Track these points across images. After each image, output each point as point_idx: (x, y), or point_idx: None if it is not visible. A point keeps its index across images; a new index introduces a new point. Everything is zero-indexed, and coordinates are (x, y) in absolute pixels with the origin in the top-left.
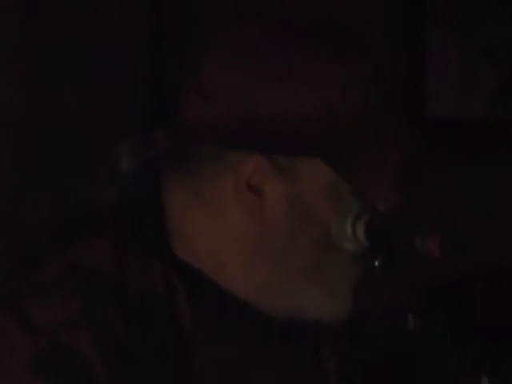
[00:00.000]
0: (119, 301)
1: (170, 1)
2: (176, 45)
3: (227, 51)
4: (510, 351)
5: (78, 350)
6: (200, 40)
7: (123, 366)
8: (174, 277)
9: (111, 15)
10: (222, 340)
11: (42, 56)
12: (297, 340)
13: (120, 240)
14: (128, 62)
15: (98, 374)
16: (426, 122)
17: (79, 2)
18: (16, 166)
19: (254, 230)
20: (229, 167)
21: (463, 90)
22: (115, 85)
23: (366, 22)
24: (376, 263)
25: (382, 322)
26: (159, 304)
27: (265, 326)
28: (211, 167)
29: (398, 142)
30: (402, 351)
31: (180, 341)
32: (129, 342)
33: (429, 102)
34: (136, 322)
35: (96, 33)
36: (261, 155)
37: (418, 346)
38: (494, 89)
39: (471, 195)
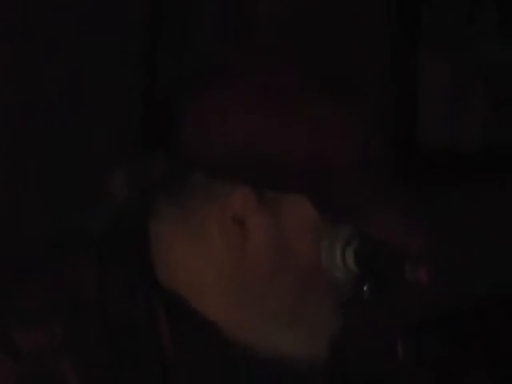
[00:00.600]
0: (101, 326)
1: None
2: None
3: (228, 84)
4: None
5: (59, 375)
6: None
7: None
8: (156, 301)
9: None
10: (199, 364)
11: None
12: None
13: (103, 263)
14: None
15: None
16: (419, 153)
17: None
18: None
19: (234, 262)
20: (216, 198)
21: (456, 116)
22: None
23: (354, 52)
24: (365, 289)
25: (371, 352)
26: (140, 328)
27: (241, 357)
28: (200, 197)
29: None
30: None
31: (160, 364)
32: (110, 366)
33: (421, 129)
34: (118, 347)
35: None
36: (249, 188)
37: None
38: (487, 114)
39: (465, 226)
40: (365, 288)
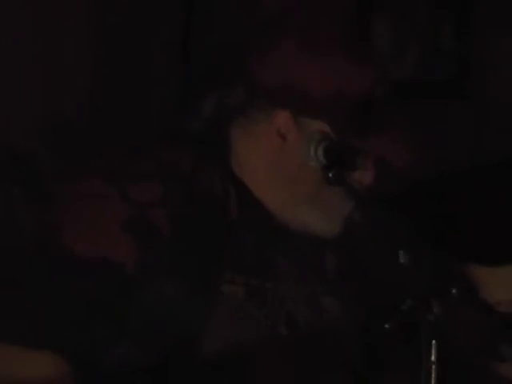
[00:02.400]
0: (190, 192)
1: None
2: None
3: (287, 41)
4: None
5: (155, 222)
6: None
7: (186, 237)
8: (229, 183)
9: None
10: (252, 228)
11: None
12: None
13: (197, 153)
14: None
15: (168, 239)
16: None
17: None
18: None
19: (276, 158)
20: (268, 117)
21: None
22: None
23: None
24: (330, 175)
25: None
26: (217, 199)
27: (281, 227)
28: (259, 115)
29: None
30: None
31: (226, 225)
32: (193, 221)
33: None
34: (200, 209)
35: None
36: (289, 113)
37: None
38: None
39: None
40: (330, 174)
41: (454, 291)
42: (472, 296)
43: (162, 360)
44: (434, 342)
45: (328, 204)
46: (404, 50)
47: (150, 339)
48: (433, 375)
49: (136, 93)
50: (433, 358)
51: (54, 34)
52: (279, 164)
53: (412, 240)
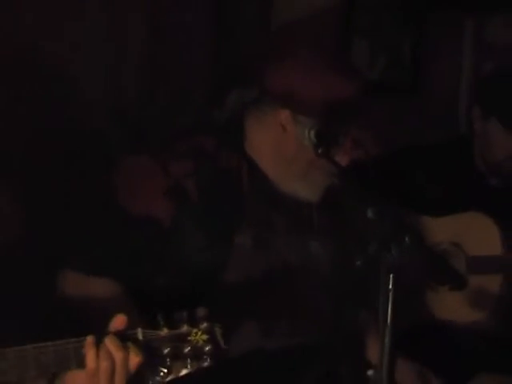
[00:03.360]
0: (213, 167)
1: None
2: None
3: (288, 60)
4: None
5: (187, 190)
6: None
7: (209, 201)
8: (242, 161)
9: None
10: (260, 196)
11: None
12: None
13: (219, 137)
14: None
15: (195, 202)
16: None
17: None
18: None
19: (277, 141)
20: (273, 112)
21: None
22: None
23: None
24: (319, 151)
25: None
26: (233, 172)
27: (289, 200)
28: (267, 110)
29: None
30: None
31: (240, 191)
32: (214, 188)
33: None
34: (220, 179)
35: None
36: (289, 112)
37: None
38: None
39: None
40: (319, 150)
41: (406, 238)
42: (419, 240)
43: (190, 289)
44: (391, 275)
45: (313, 178)
46: (375, 59)
47: (181, 273)
48: (390, 299)
49: (177, 88)
50: (390, 286)
51: (120, 33)
52: (280, 148)
53: (377, 200)
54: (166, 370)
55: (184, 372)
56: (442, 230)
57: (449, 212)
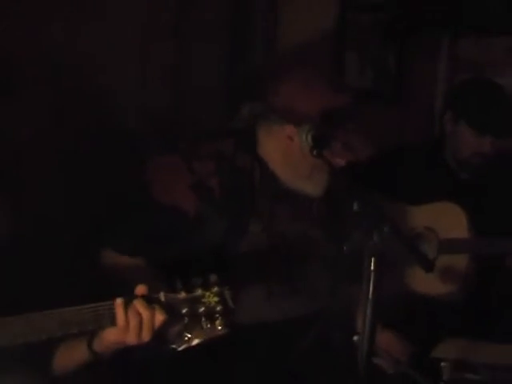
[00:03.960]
0: (231, 167)
1: None
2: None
3: (289, 82)
4: None
5: (210, 186)
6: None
7: (228, 196)
8: (255, 163)
9: None
10: (270, 193)
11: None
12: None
13: (236, 142)
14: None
15: (217, 197)
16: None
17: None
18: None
19: (286, 149)
20: (280, 125)
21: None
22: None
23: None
24: (314, 152)
25: None
26: (247, 172)
27: (294, 195)
28: (275, 123)
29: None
30: None
31: (253, 188)
32: (232, 186)
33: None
34: (237, 178)
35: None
36: (293, 126)
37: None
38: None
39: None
40: (314, 152)
41: (385, 228)
42: (397, 230)
43: (211, 265)
44: (373, 258)
45: (317, 178)
46: (364, 71)
47: (202, 253)
48: (372, 278)
49: (199, 99)
50: (372, 268)
51: (151, 39)
52: (288, 154)
53: (361, 196)
54: (189, 335)
55: (201, 338)
56: (419, 216)
57: (425, 201)
